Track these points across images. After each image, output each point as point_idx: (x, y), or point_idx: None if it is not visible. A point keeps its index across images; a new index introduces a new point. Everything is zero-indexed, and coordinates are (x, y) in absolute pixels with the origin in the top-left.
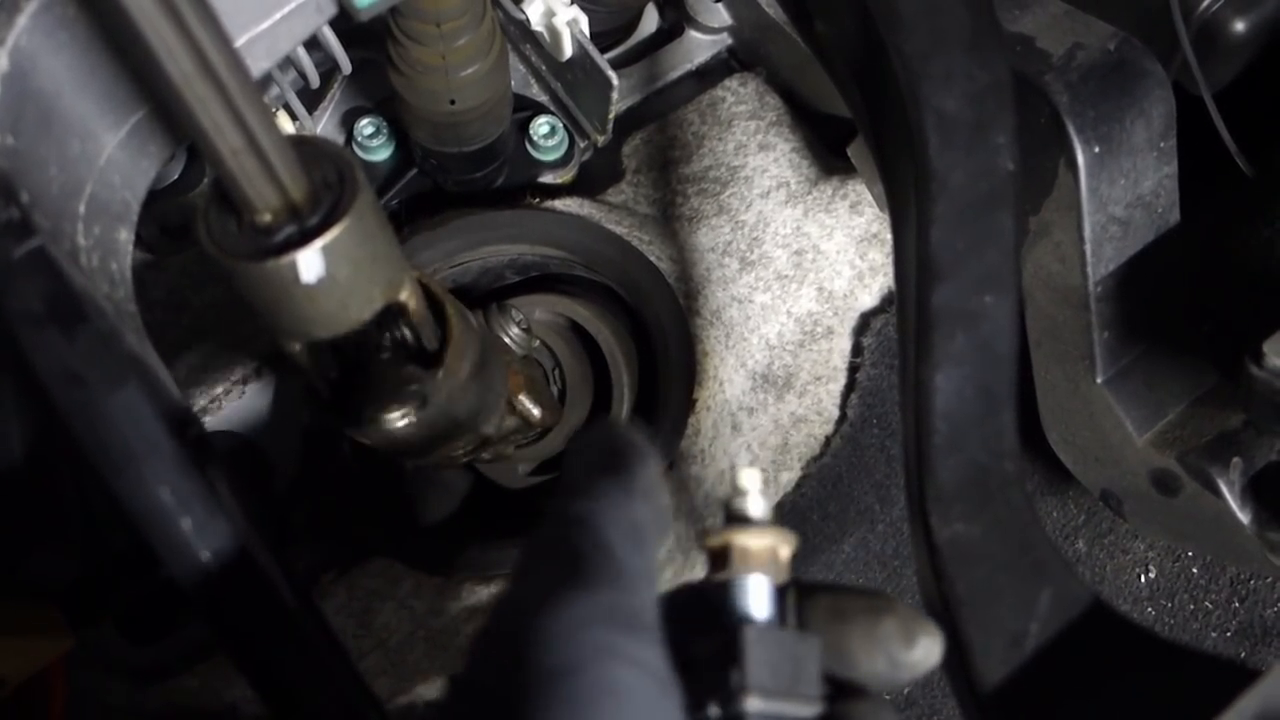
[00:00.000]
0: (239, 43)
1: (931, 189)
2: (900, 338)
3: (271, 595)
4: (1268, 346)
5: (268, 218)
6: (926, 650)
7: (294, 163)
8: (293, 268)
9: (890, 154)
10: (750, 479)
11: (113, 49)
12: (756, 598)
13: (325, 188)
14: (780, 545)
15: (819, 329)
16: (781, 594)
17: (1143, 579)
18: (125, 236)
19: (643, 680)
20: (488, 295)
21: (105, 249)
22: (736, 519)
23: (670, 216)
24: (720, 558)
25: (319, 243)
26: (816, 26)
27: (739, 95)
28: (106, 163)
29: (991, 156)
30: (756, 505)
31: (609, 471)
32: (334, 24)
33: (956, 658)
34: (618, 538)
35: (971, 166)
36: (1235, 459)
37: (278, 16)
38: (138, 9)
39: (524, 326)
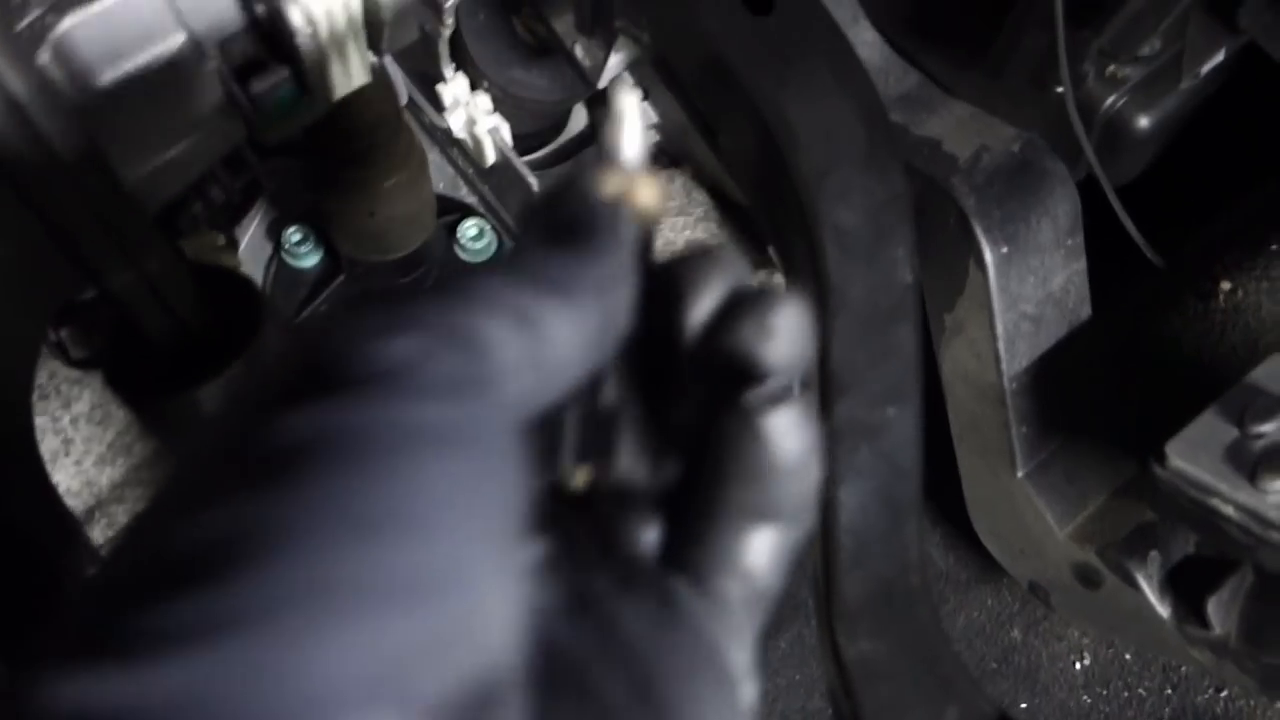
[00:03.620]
0: (146, 169)
1: (831, 303)
2: None
3: None
4: (1170, 448)
5: (169, 351)
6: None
7: (193, 295)
8: (194, 404)
9: (793, 266)
10: (629, 104)
11: None
12: None
13: (229, 320)
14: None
15: None
16: None
17: (1078, 666)
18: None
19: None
20: None
21: None
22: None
23: None
24: None
25: (221, 377)
26: (720, 141)
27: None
28: None
29: (890, 269)
30: (631, 140)
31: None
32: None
33: None
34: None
35: (871, 279)
36: (1153, 553)
37: (185, 144)
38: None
39: None
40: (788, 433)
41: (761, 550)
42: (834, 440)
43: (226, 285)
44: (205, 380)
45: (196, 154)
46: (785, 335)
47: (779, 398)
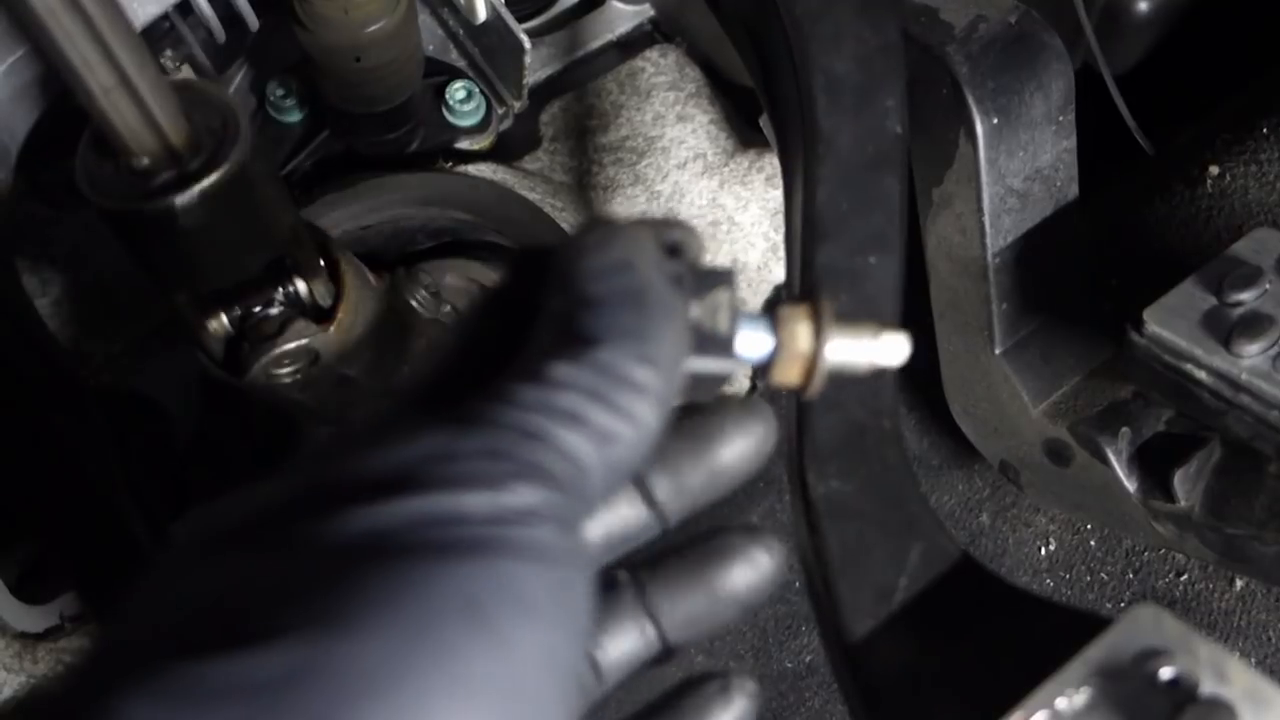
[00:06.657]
0: None
1: (819, 149)
2: (787, 297)
3: None
4: (1148, 314)
5: (145, 161)
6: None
7: (173, 105)
8: (170, 212)
9: (781, 115)
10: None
11: None
12: None
13: (207, 133)
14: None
15: None
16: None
17: (1043, 551)
18: (2, 176)
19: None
20: (400, 259)
21: None
22: None
23: (586, 185)
24: None
25: (198, 187)
26: None
27: (659, 66)
28: None
29: (879, 119)
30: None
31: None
32: None
33: (828, 612)
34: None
35: (859, 128)
36: (1124, 429)
37: None
38: None
39: (432, 290)
40: None
41: None
42: (814, 286)
43: (203, 100)
44: (181, 189)
45: None
46: None
47: None
